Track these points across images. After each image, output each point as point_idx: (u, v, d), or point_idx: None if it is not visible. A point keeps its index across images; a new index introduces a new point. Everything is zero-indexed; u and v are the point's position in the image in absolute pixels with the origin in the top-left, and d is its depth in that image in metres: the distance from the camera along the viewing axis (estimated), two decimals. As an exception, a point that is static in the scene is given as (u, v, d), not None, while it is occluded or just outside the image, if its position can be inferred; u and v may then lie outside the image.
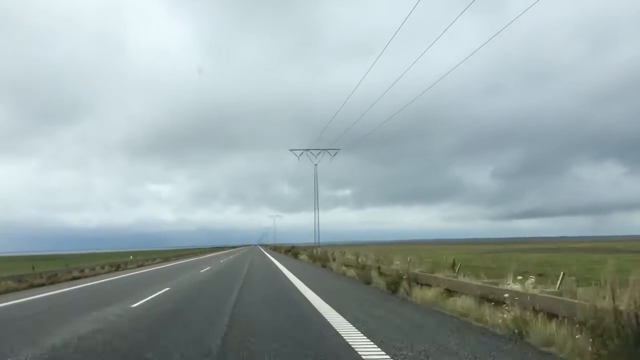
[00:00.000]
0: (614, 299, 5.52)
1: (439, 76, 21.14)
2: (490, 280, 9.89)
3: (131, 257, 47.92)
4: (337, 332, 8.11)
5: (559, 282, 8.19)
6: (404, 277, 13.39)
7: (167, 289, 17.98)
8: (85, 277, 29.17)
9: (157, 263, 49.43)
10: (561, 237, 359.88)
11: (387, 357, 6.33)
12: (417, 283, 12.82)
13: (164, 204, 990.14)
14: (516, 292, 7.95)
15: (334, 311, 10.60)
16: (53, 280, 25.29)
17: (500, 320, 7.88)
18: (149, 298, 14.81)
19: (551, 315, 6.88)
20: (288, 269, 29.01)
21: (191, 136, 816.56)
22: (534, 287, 8.18)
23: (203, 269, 32.61)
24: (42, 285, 23.52)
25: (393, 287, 13.81)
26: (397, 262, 16.71)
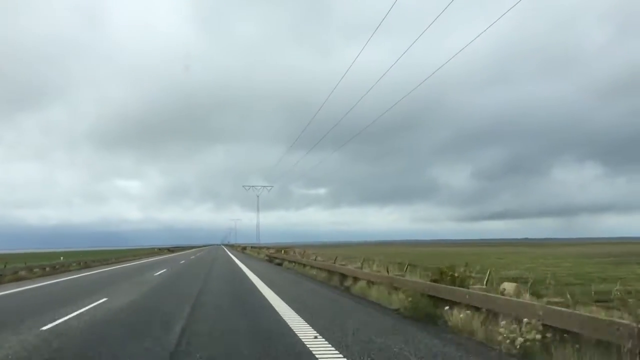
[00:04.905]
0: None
1: (441, 65, 15.95)
2: None
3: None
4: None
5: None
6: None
7: None
8: None
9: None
10: (524, 239, 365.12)
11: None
12: None
13: (132, 201, 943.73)
14: None
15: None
16: None
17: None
18: None
19: None
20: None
21: (169, 126, 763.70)
22: None
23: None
24: None
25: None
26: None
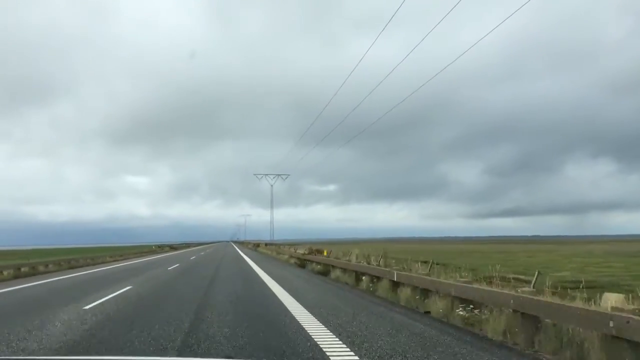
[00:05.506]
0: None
1: (452, 61, 16.40)
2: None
3: None
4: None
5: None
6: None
7: None
8: None
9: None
10: (535, 237, 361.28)
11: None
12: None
13: (141, 197, 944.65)
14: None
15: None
16: None
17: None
18: None
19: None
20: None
21: (177, 123, 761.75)
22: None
23: None
24: None
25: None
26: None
